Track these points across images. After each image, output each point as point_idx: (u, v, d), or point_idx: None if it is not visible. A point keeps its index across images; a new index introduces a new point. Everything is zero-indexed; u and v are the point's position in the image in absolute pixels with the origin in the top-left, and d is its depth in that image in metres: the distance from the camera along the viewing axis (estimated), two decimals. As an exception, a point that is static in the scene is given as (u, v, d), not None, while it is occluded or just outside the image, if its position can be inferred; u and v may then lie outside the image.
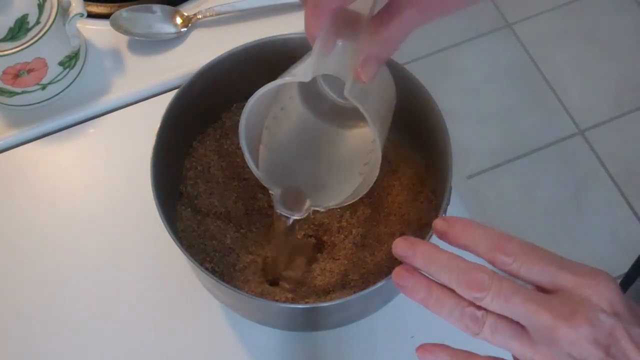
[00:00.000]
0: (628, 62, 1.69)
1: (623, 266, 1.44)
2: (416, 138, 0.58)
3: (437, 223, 0.40)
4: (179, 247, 0.50)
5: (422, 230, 0.55)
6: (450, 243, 0.40)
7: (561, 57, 1.70)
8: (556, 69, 1.69)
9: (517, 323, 0.37)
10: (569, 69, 1.69)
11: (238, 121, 0.62)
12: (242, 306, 0.55)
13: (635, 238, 1.47)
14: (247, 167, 0.60)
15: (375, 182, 0.59)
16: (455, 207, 0.62)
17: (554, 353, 0.36)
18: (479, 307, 0.37)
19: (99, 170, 0.68)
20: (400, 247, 0.40)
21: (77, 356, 0.59)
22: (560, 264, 0.37)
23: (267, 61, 0.61)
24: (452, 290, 0.38)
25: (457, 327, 0.38)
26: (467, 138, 1.59)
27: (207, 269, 0.54)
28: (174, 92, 0.56)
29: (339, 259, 0.56)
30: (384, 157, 0.60)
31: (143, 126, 0.61)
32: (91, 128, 0.70)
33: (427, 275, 0.39)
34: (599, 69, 1.68)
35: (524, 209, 1.51)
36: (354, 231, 0.57)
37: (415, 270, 0.40)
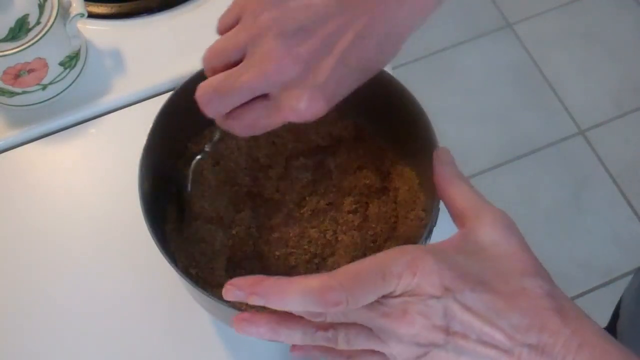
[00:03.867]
0: (628, 62, 1.69)
1: (623, 266, 1.45)
2: (410, 154, 0.57)
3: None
4: (160, 251, 0.49)
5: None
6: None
7: (561, 57, 1.70)
8: (557, 69, 1.69)
9: (366, 326, 0.39)
10: (570, 69, 1.69)
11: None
12: (223, 316, 0.53)
13: (636, 238, 1.47)
14: (241, 172, 0.60)
15: (367, 196, 0.58)
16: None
17: (403, 346, 0.38)
18: (326, 327, 0.40)
19: (99, 170, 0.68)
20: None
21: (68, 358, 0.60)
22: (377, 275, 0.38)
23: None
24: (293, 316, 0.40)
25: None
26: (467, 138, 1.59)
27: (191, 274, 0.53)
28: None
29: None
30: (379, 171, 0.60)
31: (143, 126, 0.61)
32: (92, 128, 0.70)
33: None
34: (599, 69, 1.68)
35: (524, 209, 1.51)
36: (344, 240, 0.57)
37: (254, 314, 0.41)
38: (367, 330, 0.39)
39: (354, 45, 0.41)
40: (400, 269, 0.38)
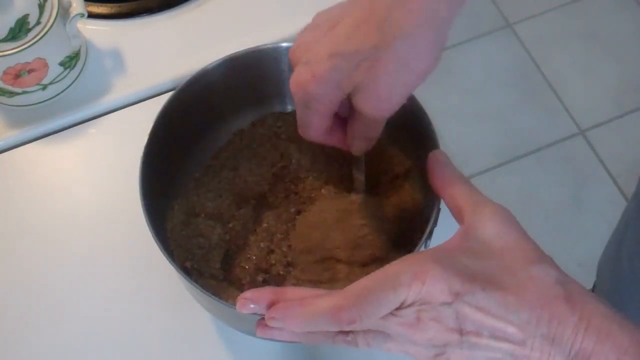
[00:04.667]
0: (629, 62, 1.69)
1: (623, 266, 1.45)
2: (411, 154, 0.57)
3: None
4: (161, 250, 0.49)
5: (403, 250, 0.54)
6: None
7: (562, 57, 1.70)
8: (557, 69, 1.69)
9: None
10: (570, 69, 1.69)
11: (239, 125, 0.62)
12: (220, 313, 0.53)
13: (635, 238, 1.47)
14: (251, 175, 0.60)
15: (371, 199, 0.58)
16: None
17: (420, 348, 0.40)
18: (345, 332, 0.41)
19: (100, 170, 0.68)
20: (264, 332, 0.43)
21: (68, 358, 0.60)
22: (386, 288, 0.39)
23: (269, 65, 0.60)
24: None
25: None
26: (467, 138, 1.59)
27: (186, 268, 0.53)
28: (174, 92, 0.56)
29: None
30: (382, 173, 0.59)
31: (143, 126, 0.61)
32: (92, 128, 0.70)
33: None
34: (599, 69, 1.68)
35: (524, 209, 1.51)
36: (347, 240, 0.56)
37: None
38: (384, 333, 0.40)
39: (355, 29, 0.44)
40: (409, 280, 0.39)
